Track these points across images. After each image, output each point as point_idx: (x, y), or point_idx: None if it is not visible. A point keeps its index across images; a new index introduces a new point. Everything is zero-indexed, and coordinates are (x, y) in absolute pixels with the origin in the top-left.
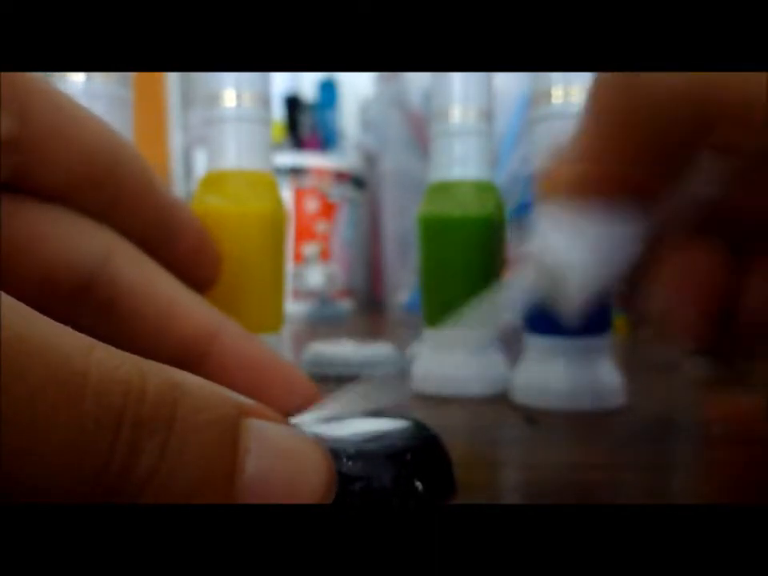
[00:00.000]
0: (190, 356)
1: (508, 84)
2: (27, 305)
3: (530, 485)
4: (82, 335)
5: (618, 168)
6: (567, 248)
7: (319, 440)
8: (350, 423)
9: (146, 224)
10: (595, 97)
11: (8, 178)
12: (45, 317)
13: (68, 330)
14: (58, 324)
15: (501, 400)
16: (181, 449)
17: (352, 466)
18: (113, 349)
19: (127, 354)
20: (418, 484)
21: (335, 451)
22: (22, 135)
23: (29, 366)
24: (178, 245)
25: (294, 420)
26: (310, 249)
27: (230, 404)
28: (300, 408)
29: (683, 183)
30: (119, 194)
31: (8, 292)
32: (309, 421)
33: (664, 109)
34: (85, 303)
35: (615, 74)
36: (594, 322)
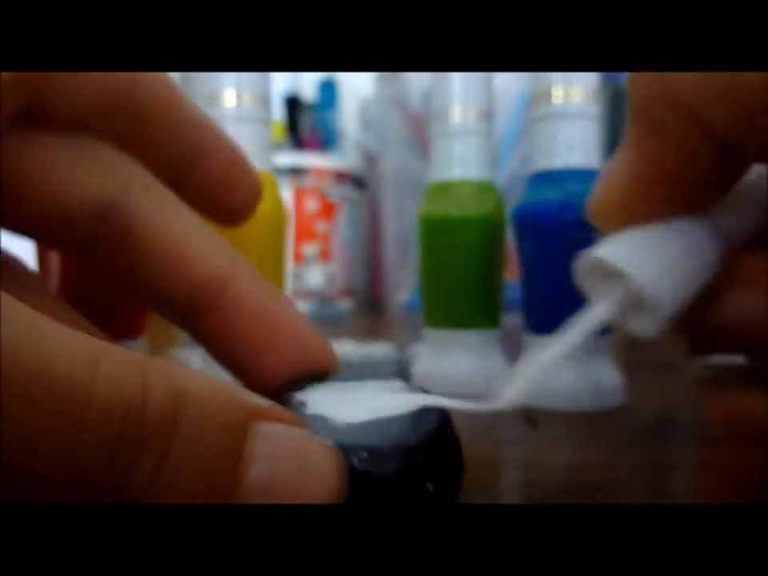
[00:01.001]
0: (200, 301)
1: (508, 84)
2: (42, 239)
3: (530, 485)
4: (89, 339)
5: (674, 185)
6: (653, 274)
7: (331, 431)
8: (360, 397)
9: (169, 145)
10: (639, 109)
11: (23, 109)
12: (47, 319)
13: (74, 334)
14: (62, 329)
15: None
16: (179, 462)
17: (362, 466)
18: (120, 353)
19: (134, 358)
20: (430, 486)
21: (346, 449)
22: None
23: (29, 389)
24: (207, 167)
25: (306, 392)
26: (310, 249)
27: (238, 408)
28: (311, 368)
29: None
30: (139, 116)
31: (23, 226)
32: (321, 393)
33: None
34: (100, 237)
35: (652, 79)
36: None
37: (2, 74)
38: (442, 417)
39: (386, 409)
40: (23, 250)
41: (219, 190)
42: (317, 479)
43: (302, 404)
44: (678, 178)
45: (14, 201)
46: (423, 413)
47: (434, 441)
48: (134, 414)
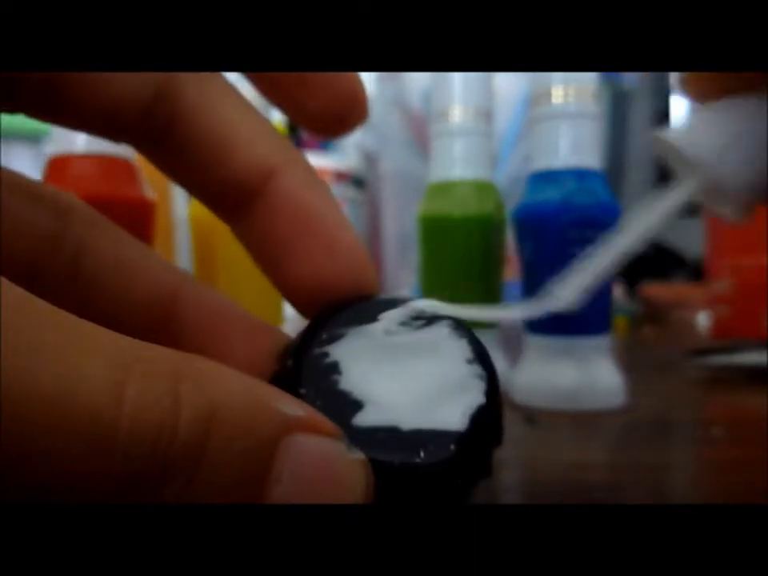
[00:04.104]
0: (243, 192)
1: (508, 84)
2: (91, 129)
3: (530, 485)
4: (115, 346)
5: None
6: (724, 147)
7: (365, 442)
8: (401, 360)
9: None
10: None
11: None
12: (66, 323)
13: (98, 342)
14: (83, 336)
15: None
16: (206, 483)
17: (393, 486)
18: (150, 362)
19: (165, 368)
20: (460, 481)
21: (378, 464)
22: None
23: (50, 425)
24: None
25: (338, 343)
26: None
27: (271, 422)
28: (347, 285)
29: None
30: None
31: (66, 116)
32: (355, 346)
33: None
34: (145, 125)
35: None
36: (594, 321)
37: None
38: (488, 397)
39: (429, 385)
40: None
41: (304, 90)
42: (343, 496)
43: (334, 368)
44: None
45: (59, 90)
46: (467, 393)
47: (473, 437)
48: (165, 436)
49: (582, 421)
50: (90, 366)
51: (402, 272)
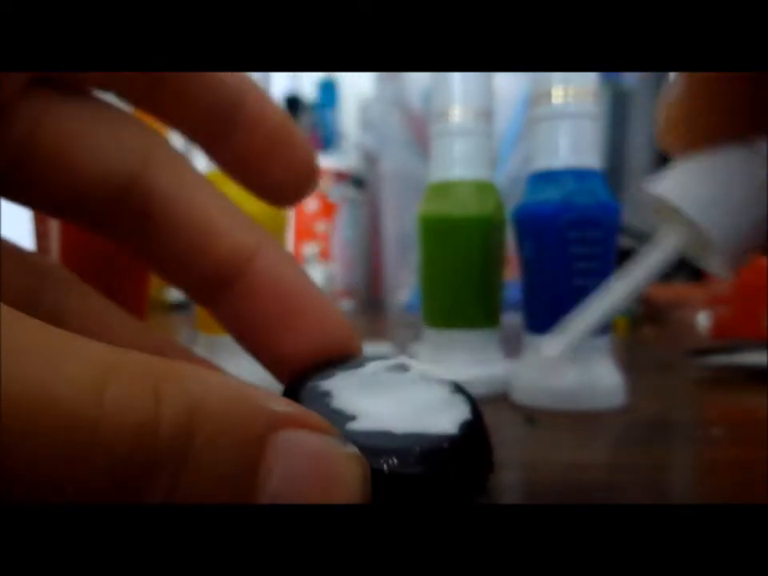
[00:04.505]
0: (224, 276)
1: (508, 84)
2: (59, 214)
3: (530, 485)
4: (96, 350)
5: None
6: (711, 200)
7: (357, 432)
8: (388, 386)
9: (205, 98)
10: None
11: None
12: (49, 330)
13: (79, 346)
14: (66, 341)
15: (501, 400)
16: (192, 482)
17: (391, 469)
18: (130, 364)
19: (146, 369)
20: (456, 487)
21: (373, 450)
22: None
23: (32, 418)
24: (250, 131)
25: (330, 379)
26: (310, 249)
27: (257, 418)
28: (334, 350)
29: None
30: (163, 75)
31: (38, 199)
32: (345, 380)
33: None
34: (119, 213)
35: None
36: None
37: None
38: (474, 415)
39: (417, 402)
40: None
41: (260, 163)
42: (338, 491)
43: (327, 394)
44: (730, 96)
45: (31, 172)
46: (454, 409)
47: (465, 442)
48: (146, 435)
49: (581, 421)
50: (70, 369)
51: (402, 272)
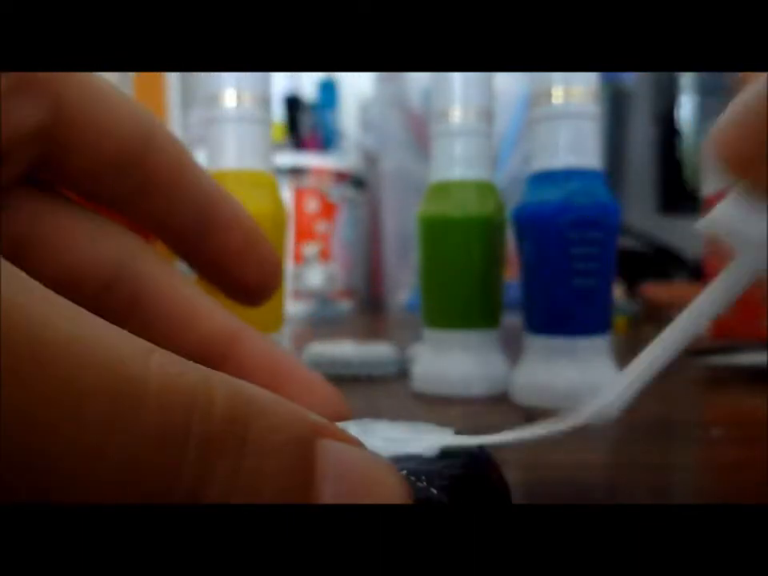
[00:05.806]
0: (212, 355)
1: (508, 84)
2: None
3: (530, 485)
4: (137, 337)
5: None
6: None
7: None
8: (390, 431)
9: (181, 210)
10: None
11: (33, 167)
12: (94, 315)
13: (120, 330)
14: (108, 324)
15: (501, 400)
16: (255, 473)
17: (437, 495)
18: (172, 354)
19: (189, 362)
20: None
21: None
22: (54, 125)
23: (77, 369)
24: (222, 238)
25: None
26: (310, 249)
27: (305, 422)
28: (320, 414)
29: None
30: (147, 182)
31: None
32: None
33: None
34: (108, 302)
35: None
36: (593, 321)
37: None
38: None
39: (424, 434)
40: None
41: (234, 264)
42: (385, 499)
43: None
44: None
45: (20, 264)
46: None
47: (480, 473)
48: (200, 410)
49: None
50: (115, 337)
51: (402, 272)
